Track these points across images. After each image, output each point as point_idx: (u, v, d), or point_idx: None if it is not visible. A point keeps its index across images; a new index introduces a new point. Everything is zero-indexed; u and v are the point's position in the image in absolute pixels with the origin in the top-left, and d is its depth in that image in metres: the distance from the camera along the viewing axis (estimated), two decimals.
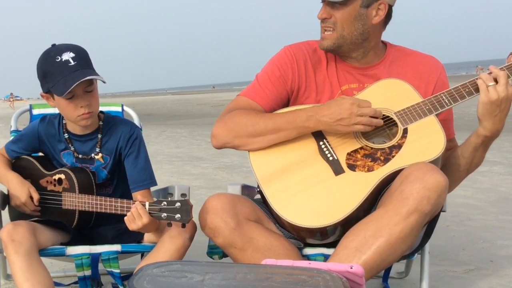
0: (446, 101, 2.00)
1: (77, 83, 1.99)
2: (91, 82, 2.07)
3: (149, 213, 1.92)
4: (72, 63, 2.02)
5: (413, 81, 2.09)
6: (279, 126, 2.01)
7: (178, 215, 1.89)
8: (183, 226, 1.92)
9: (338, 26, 2.05)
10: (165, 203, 1.91)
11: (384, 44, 2.19)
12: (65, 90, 1.99)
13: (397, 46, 2.20)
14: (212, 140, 2.10)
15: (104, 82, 2.08)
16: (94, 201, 2.07)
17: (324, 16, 2.07)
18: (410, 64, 2.15)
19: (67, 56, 2.03)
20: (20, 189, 2.16)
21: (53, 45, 2.10)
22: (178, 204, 1.89)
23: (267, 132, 2.02)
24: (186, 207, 1.89)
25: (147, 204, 1.93)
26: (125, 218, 1.96)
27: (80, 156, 2.21)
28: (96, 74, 2.06)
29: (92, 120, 2.14)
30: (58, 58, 2.03)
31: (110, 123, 2.24)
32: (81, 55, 2.06)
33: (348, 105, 1.91)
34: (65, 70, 2.01)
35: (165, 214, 1.90)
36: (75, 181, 2.12)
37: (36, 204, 2.17)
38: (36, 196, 2.16)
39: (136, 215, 1.93)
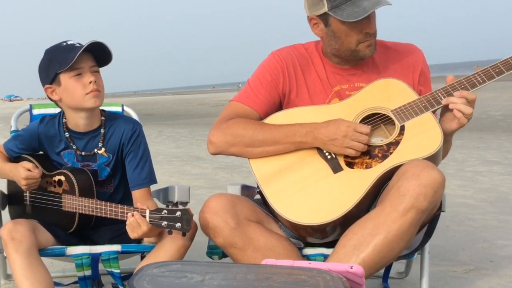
0: (442, 97, 2.01)
1: (87, 44, 2.05)
2: (96, 63, 2.14)
3: (150, 221, 1.92)
4: (78, 45, 2.11)
5: (402, 72, 2.12)
6: (277, 140, 2.02)
7: (178, 224, 1.88)
8: (184, 235, 1.92)
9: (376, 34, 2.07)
10: (165, 211, 1.90)
11: None
12: (75, 55, 2.04)
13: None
14: (208, 146, 2.12)
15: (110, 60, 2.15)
16: (94, 205, 2.05)
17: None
18: (394, 56, 2.17)
19: (73, 42, 2.14)
20: (15, 170, 2.11)
21: None
22: (178, 213, 1.88)
23: (265, 145, 2.04)
24: (186, 216, 1.88)
25: (147, 212, 1.92)
26: (126, 227, 1.96)
27: (83, 153, 2.20)
28: None
29: (101, 101, 2.14)
30: (64, 44, 2.13)
31: (113, 119, 2.24)
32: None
33: (344, 127, 1.94)
34: (72, 49, 2.08)
35: (166, 223, 1.90)
36: (75, 183, 2.10)
37: (38, 172, 2.10)
38: (29, 165, 2.09)
39: (135, 224, 1.93)
